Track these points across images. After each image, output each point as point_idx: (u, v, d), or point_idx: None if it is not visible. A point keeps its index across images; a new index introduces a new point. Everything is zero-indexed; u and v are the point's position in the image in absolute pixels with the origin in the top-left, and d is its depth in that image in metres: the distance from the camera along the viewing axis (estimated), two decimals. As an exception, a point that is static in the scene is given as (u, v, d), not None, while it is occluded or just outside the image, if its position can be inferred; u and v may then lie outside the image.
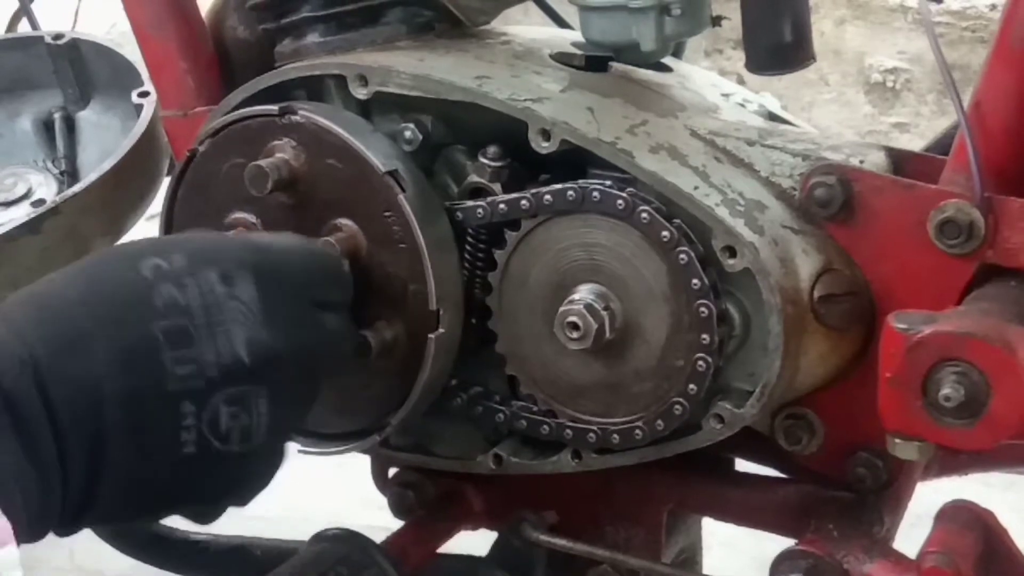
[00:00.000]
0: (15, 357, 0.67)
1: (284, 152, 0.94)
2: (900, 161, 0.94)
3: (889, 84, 3.40)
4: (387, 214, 0.91)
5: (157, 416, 0.70)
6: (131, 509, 0.74)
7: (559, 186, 0.90)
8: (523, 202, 0.91)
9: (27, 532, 0.66)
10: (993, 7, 3.10)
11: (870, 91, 3.43)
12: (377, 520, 1.12)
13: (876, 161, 0.93)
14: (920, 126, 3.32)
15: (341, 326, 0.83)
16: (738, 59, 3.49)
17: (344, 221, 0.93)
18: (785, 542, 0.98)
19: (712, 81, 1.08)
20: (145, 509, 0.75)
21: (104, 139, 1.33)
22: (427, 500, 1.10)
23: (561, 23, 1.23)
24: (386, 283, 0.92)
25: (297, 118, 0.93)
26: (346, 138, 0.92)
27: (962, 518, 0.88)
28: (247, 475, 0.76)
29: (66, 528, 0.71)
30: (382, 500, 1.17)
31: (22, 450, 0.65)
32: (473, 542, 1.11)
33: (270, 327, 0.74)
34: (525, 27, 1.12)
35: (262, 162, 0.92)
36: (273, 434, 0.75)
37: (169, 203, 1.01)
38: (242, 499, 0.79)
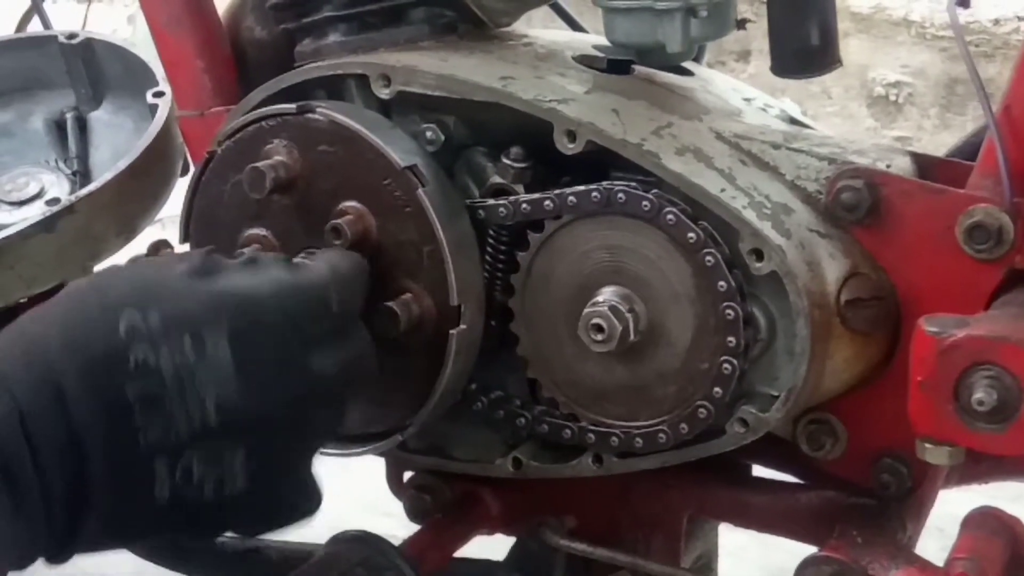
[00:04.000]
0: (4, 404, 0.69)
1: (278, 153, 0.93)
2: (925, 166, 0.93)
3: (892, 98, 3.41)
4: (386, 182, 0.91)
5: (132, 471, 0.72)
6: (116, 543, 0.76)
7: (583, 187, 0.89)
8: (547, 203, 0.91)
9: (13, 566, 0.69)
10: (996, 21, 3.11)
11: (873, 104, 3.44)
12: (380, 527, 1.11)
13: (902, 166, 0.92)
14: (923, 140, 3.33)
15: (331, 360, 0.80)
16: (741, 71, 3.50)
17: (349, 204, 0.93)
18: (793, 551, 0.98)
19: (733, 86, 1.08)
20: (131, 541, 0.79)
21: (116, 139, 1.32)
22: (443, 504, 1.09)
23: (577, 27, 1.23)
24: (401, 252, 0.92)
25: (314, 116, 0.93)
26: (366, 135, 0.91)
27: (989, 525, 0.88)
28: (235, 516, 0.78)
29: (53, 559, 0.73)
30: (386, 506, 1.16)
31: (8, 495, 0.67)
32: (490, 547, 1.10)
33: (243, 387, 0.74)
34: (546, 30, 1.11)
35: (258, 164, 0.92)
36: (258, 481, 0.76)
37: (188, 206, 1.01)
38: (245, 533, 0.82)
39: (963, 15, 0.86)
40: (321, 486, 0.82)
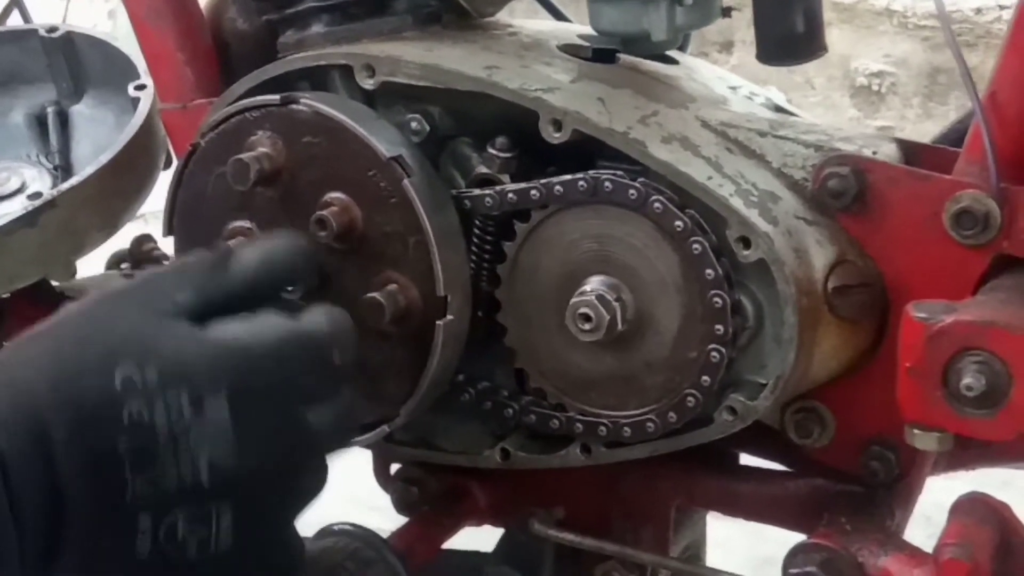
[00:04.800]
0: None
1: (262, 144, 0.93)
2: (912, 153, 0.93)
3: (875, 88, 3.42)
4: (371, 173, 0.91)
5: (114, 526, 0.70)
6: None
7: (570, 176, 0.89)
8: (533, 192, 0.90)
9: None
10: (978, 11, 3.12)
11: (855, 94, 3.45)
12: (366, 521, 1.11)
13: (888, 152, 0.92)
14: (905, 129, 3.34)
15: (329, 419, 0.78)
16: (724, 62, 3.50)
17: (334, 195, 0.92)
18: (780, 541, 0.98)
19: (718, 74, 1.08)
20: None
21: (98, 133, 1.31)
22: (431, 496, 1.09)
23: (560, 17, 1.22)
24: (386, 243, 0.91)
25: (298, 107, 0.92)
26: (350, 125, 0.91)
27: (978, 511, 0.88)
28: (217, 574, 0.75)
29: None
30: (372, 500, 1.16)
31: None
32: (478, 538, 1.10)
33: (240, 447, 0.72)
34: (530, 20, 1.11)
35: (242, 156, 0.92)
36: (245, 541, 0.74)
37: (172, 200, 1.00)
38: None
39: (946, 3, 0.86)
40: (304, 545, 0.80)
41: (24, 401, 0.69)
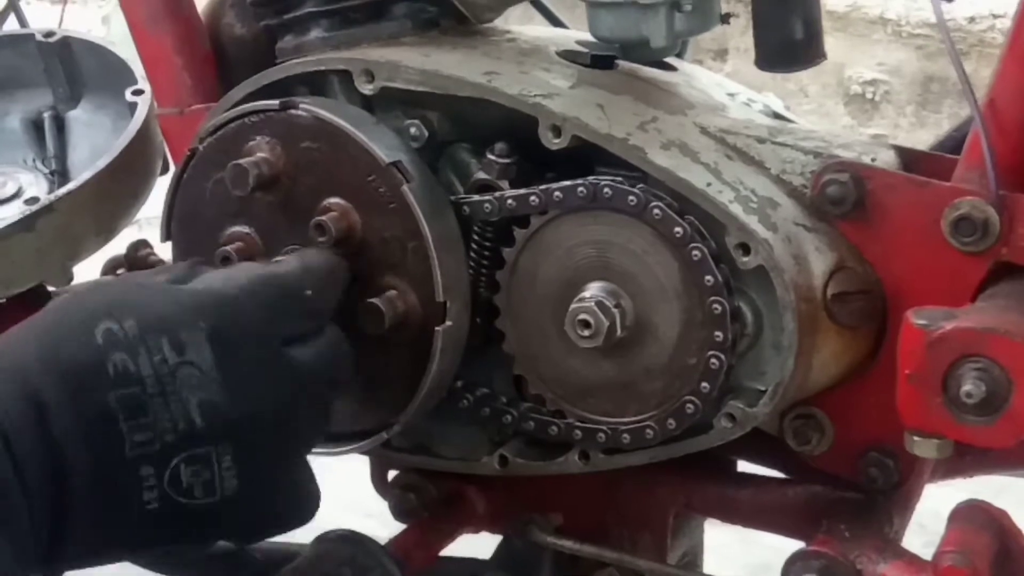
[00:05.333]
0: None
1: (261, 150, 0.93)
2: (910, 160, 0.93)
3: (868, 95, 3.42)
4: (371, 178, 0.90)
5: (118, 480, 0.72)
6: (104, 557, 0.75)
7: (569, 182, 0.89)
8: (532, 198, 0.90)
9: None
10: (971, 19, 3.12)
11: (849, 102, 3.45)
12: (363, 527, 1.10)
13: (887, 159, 0.92)
14: (899, 137, 3.34)
15: (314, 357, 0.80)
16: (718, 69, 3.50)
17: (333, 200, 0.92)
18: (776, 547, 0.98)
19: (716, 81, 1.08)
20: (118, 555, 0.77)
21: (95, 138, 1.31)
22: (429, 503, 1.08)
23: (557, 23, 1.22)
24: (385, 249, 0.91)
25: (297, 112, 0.92)
26: (350, 130, 0.91)
27: (977, 518, 0.88)
28: (229, 520, 0.77)
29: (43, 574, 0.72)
30: (368, 507, 1.15)
31: None
32: (476, 546, 1.10)
33: (227, 387, 0.74)
34: (529, 26, 1.11)
35: (241, 161, 0.91)
36: (250, 482, 0.75)
37: (169, 205, 1.00)
38: (240, 540, 0.82)
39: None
40: (318, 490, 0.81)
41: (14, 374, 0.71)
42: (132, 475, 0.71)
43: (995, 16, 3.13)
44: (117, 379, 0.71)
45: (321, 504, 0.82)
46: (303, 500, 0.80)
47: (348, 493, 1.26)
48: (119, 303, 0.74)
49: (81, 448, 0.70)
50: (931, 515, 1.07)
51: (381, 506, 1.14)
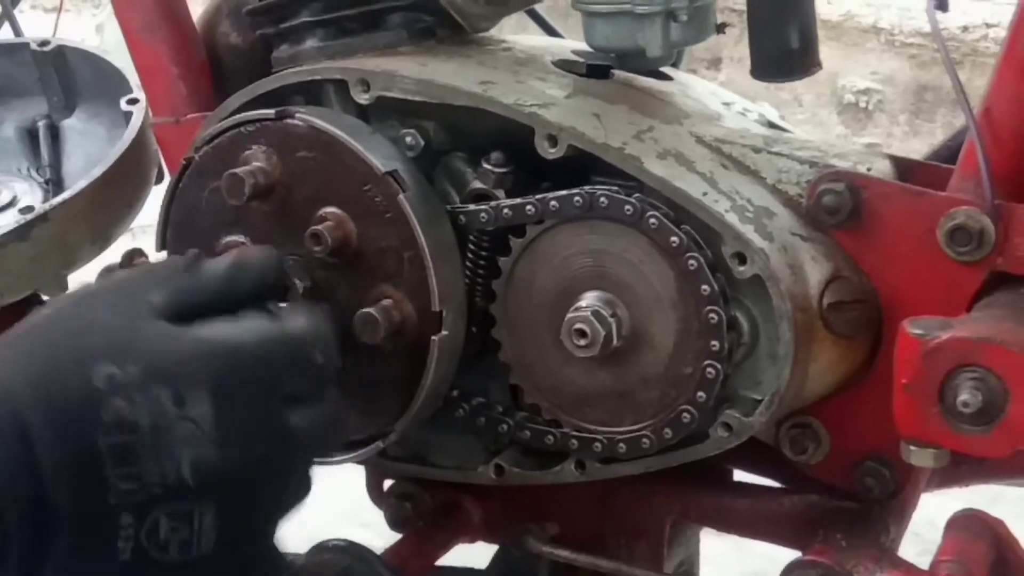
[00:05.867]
0: None
1: (257, 159, 0.93)
2: (905, 169, 0.94)
3: (862, 105, 3.43)
4: (366, 188, 0.90)
5: (96, 523, 0.70)
6: None
7: (566, 192, 0.89)
8: (528, 207, 0.90)
9: None
10: (965, 28, 3.13)
11: (843, 111, 3.46)
12: (358, 537, 1.10)
13: (882, 169, 0.93)
14: (892, 146, 3.35)
15: (312, 422, 0.77)
16: (712, 79, 3.51)
17: (329, 210, 0.92)
18: (770, 557, 0.98)
19: (712, 90, 1.08)
20: None
21: (89, 147, 1.31)
22: (424, 512, 1.08)
23: (552, 32, 1.23)
24: (381, 258, 0.91)
25: (293, 121, 0.92)
26: (345, 140, 0.91)
27: (974, 527, 0.88)
28: None
29: None
30: (364, 516, 1.15)
31: None
32: (472, 556, 1.10)
33: (223, 446, 0.72)
34: (524, 35, 1.11)
35: (237, 170, 0.91)
36: (227, 544, 0.73)
37: (165, 214, 1.00)
38: None
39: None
40: (285, 555, 0.80)
41: (2, 402, 0.69)
42: (111, 522, 0.69)
43: (988, 25, 3.14)
44: (112, 425, 0.69)
45: (318, 514, 0.81)
46: (272, 565, 0.78)
47: (343, 503, 1.25)
48: (119, 344, 0.72)
49: (65, 490, 0.68)
50: (926, 524, 1.07)
51: (376, 516, 1.14)
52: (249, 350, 0.75)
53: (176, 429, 0.70)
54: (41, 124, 1.33)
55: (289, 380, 0.76)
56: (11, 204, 1.26)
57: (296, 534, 1.04)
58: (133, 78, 1.23)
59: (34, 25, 1.71)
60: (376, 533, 1.11)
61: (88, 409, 0.69)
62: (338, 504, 1.50)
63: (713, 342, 0.86)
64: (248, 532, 0.75)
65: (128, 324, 0.74)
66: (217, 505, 0.72)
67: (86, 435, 0.69)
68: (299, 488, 0.78)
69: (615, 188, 0.88)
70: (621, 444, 0.91)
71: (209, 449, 0.71)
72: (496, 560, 1.02)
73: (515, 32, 1.14)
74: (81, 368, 0.70)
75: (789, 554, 0.94)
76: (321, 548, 0.96)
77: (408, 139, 0.94)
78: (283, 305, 0.85)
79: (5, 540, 0.67)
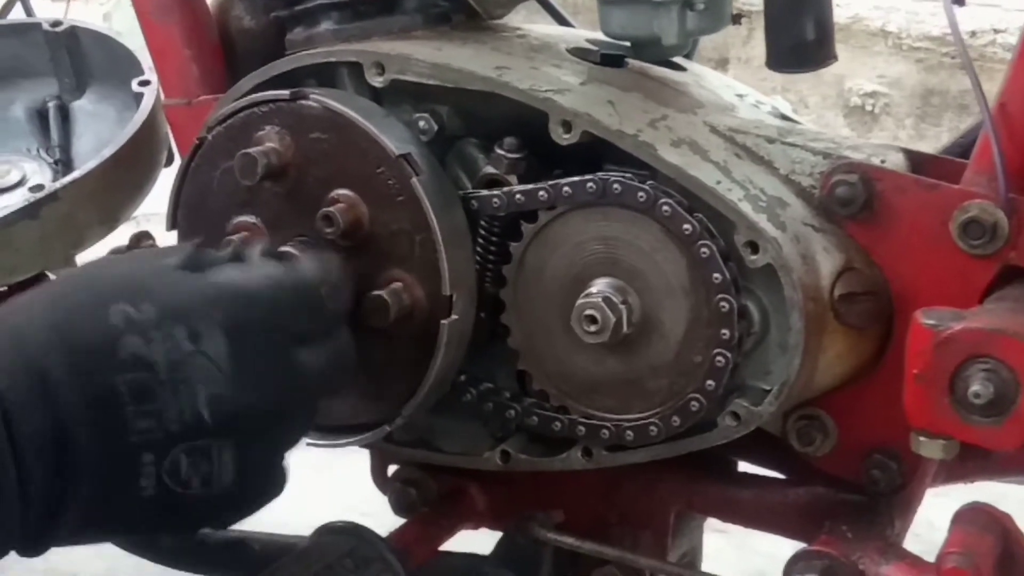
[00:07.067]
0: None
1: (270, 139, 0.93)
2: (918, 163, 0.93)
3: (868, 108, 3.43)
4: (379, 170, 0.90)
5: (118, 462, 0.71)
6: (95, 537, 0.75)
7: (579, 178, 0.89)
8: (541, 193, 0.90)
9: None
10: (973, 33, 3.13)
11: (849, 114, 3.46)
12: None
13: (896, 162, 0.92)
14: (898, 150, 3.34)
15: (321, 359, 0.80)
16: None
17: (341, 191, 0.92)
18: (770, 554, 0.98)
19: (725, 82, 1.08)
20: (110, 536, 0.77)
21: (99, 128, 1.31)
22: (429, 498, 1.08)
23: (563, 21, 1.22)
24: (392, 241, 0.91)
25: (308, 102, 0.92)
26: (360, 122, 0.91)
27: (980, 520, 0.88)
28: (217, 510, 0.77)
29: (27, 552, 0.72)
30: (365, 507, 1.15)
31: None
32: (476, 542, 1.09)
33: (238, 382, 0.74)
34: (538, 24, 1.11)
35: (250, 150, 0.91)
36: (244, 476, 0.75)
37: (176, 194, 1.00)
38: (220, 525, 0.81)
39: (939, 28, 0.87)
40: (288, 470, 0.81)
41: (21, 344, 0.70)
42: (132, 460, 0.71)
43: (996, 31, 3.14)
44: (128, 362, 0.70)
45: (320, 504, 0.83)
46: (277, 483, 0.80)
47: (347, 494, 1.25)
48: (137, 286, 0.74)
49: (85, 430, 0.69)
50: (925, 525, 1.07)
51: (380, 507, 1.13)
52: (261, 292, 0.78)
53: (191, 365, 0.72)
54: (51, 105, 1.33)
55: (299, 321, 0.79)
56: (20, 183, 1.26)
57: (301, 523, 1.05)
58: (145, 60, 1.23)
59: (43, 13, 1.71)
60: (379, 524, 1.11)
61: (105, 348, 0.70)
62: (342, 495, 1.50)
63: (723, 330, 0.86)
64: (263, 464, 0.77)
65: (144, 269, 0.76)
66: (234, 440, 0.74)
67: (104, 375, 0.70)
68: (307, 423, 0.81)
69: (629, 175, 0.88)
70: (629, 431, 0.91)
71: (224, 385, 0.73)
72: (500, 546, 1.02)
73: (526, 22, 1.14)
74: (98, 310, 0.72)
75: (789, 552, 0.93)
76: (326, 530, 0.96)
77: (421, 123, 0.94)
78: (294, 252, 0.88)
79: (29, 483, 0.68)
